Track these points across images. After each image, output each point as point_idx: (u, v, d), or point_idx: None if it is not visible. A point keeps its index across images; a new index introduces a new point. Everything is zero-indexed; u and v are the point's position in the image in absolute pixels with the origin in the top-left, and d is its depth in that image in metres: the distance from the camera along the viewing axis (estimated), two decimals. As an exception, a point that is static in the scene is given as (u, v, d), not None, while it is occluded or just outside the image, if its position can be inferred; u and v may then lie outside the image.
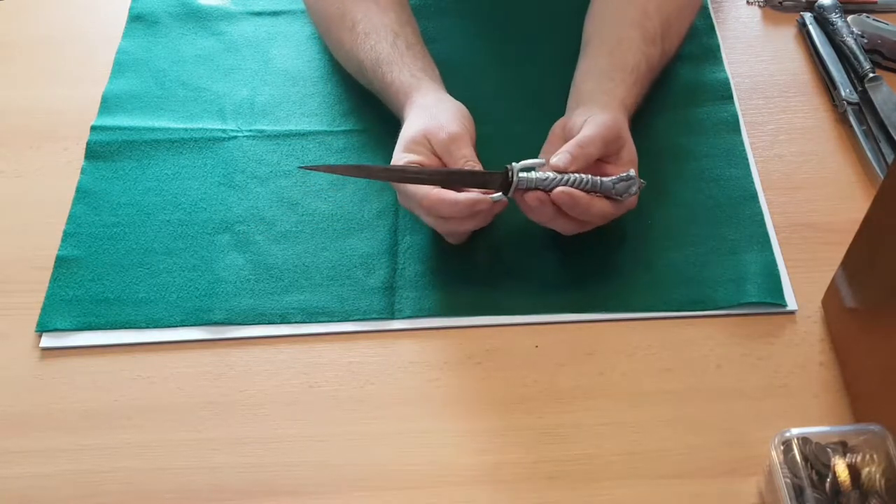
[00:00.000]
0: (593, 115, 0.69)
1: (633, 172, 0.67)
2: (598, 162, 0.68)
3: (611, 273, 0.72)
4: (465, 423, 0.65)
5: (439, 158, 0.68)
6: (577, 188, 0.65)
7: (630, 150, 0.70)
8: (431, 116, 0.70)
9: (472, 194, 0.66)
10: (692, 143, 0.80)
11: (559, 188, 0.65)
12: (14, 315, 0.71)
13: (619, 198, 0.67)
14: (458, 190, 0.66)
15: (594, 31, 0.79)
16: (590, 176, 0.66)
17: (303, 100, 0.85)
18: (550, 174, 0.66)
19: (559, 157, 0.66)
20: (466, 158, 0.67)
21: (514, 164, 0.66)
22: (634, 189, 0.67)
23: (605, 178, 0.66)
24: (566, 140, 0.69)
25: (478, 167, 0.67)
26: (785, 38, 0.90)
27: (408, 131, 0.69)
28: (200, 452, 0.64)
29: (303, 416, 0.65)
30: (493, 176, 0.66)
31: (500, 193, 0.66)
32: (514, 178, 0.65)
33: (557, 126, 0.73)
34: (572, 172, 0.65)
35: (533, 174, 0.66)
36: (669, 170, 0.78)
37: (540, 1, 0.91)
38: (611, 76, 0.73)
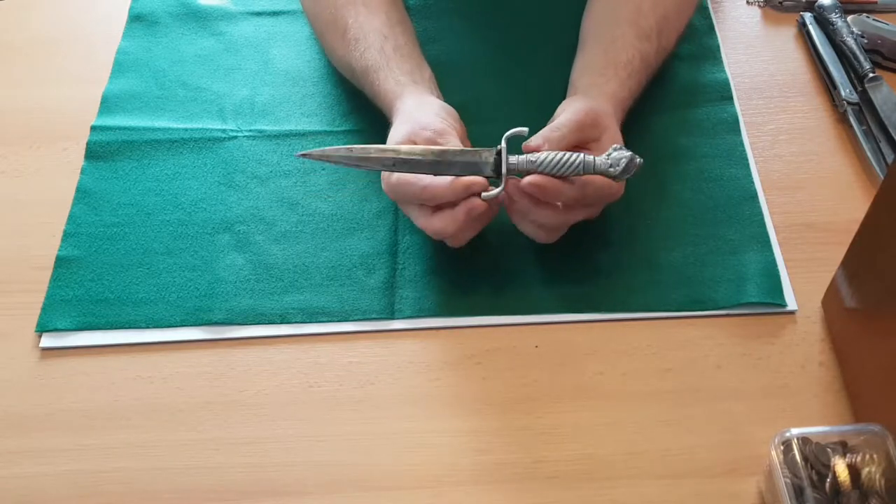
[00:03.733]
0: (572, 101, 0.69)
1: (628, 152, 0.65)
2: (579, 148, 0.67)
3: (611, 273, 0.72)
4: (465, 423, 0.65)
5: None
6: (566, 168, 0.64)
7: (613, 136, 0.69)
8: (413, 120, 0.69)
9: (466, 177, 0.65)
10: (692, 143, 0.80)
11: (527, 178, 0.64)
12: (14, 315, 0.71)
13: (614, 170, 0.64)
14: None
15: (590, 29, 0.80)
16: (582, 155, 0.64)
17: (303, 100, 0.85)
18: (540, 155, 0.64)
19: (533, 139, 0.66)
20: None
21: (503, 138, 0.65)
22: (625, 160, 0.64)
23: (598, 157, 0.64)
24: None
25: None
26: (785, 38, 0.90)
27: (392, 138, 0.69)
28: (200, 452, 0.64)
29: (303, 416, 0.65)
30: (485, 154, 0.65)
31: (495, 192, 0.65)
32: (505, 155, 0.65)
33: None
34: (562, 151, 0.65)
35: (522, 157, 0.65)
36: (669, 170, 0.78)
37: (540, 1, 0.91)
38: (603, 72, 0.74)
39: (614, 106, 0.71)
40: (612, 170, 0.64)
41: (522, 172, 0.65)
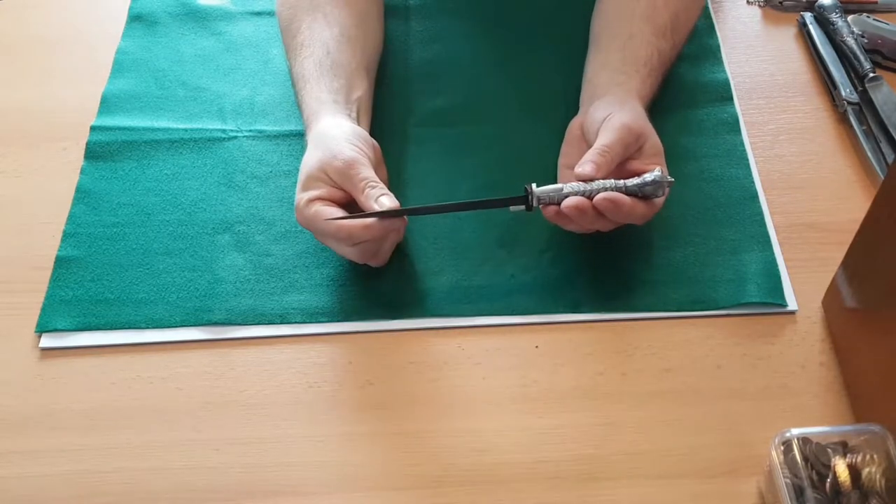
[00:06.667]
0: (610, 115, 0.68)
1: (659, 173, 0.66)
2: (623, 161, 0.67)
3: (611, 273, 0.72)
4: (466, 423, 0.65)
5: (340, 188, 0.66)
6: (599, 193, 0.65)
7: (654, 142, 0.69)
8: (324, 148, 0.67)
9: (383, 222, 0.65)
10: (692, 143, 0.80)
11: (601, 194, 0.64)
12: (14, 315, 0.71)
13: (650, 189, 0.66)
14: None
15: (603, 26, 0.79)
16: (613, 181, 0.65)
17: (303, 100, 0.85)
18: (569, 185, 0.65)
19: (583, 167, 0.65)
20: (367, 181, 0.66)
21: (532, 185, 0.66)
22: (662, 192, 0.66)
23: (629, 182, 0.65)
24: (585, 139, 0.70)
25: (380, 188, 0.66)
26: (785, 38, 0.90)
27: (304, 167, 0.68)
28: (200, 452, 0.64)
29: (303, 416, 0.65)
30: (514, 199, 0.67)
31: (522, 207, 0.66)
32: (533, 201, 0.66)
33: (574, 126, 0.73)
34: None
35: (551, 187, 0.66)
36: (670, 170, 0.77)
37: (541, 1, 0.91)
38: (623, 70, 0.73)
39: (642, 105, 0.71)
40: (648, 188, 0.65)
41: (554, 201, 0.66)
